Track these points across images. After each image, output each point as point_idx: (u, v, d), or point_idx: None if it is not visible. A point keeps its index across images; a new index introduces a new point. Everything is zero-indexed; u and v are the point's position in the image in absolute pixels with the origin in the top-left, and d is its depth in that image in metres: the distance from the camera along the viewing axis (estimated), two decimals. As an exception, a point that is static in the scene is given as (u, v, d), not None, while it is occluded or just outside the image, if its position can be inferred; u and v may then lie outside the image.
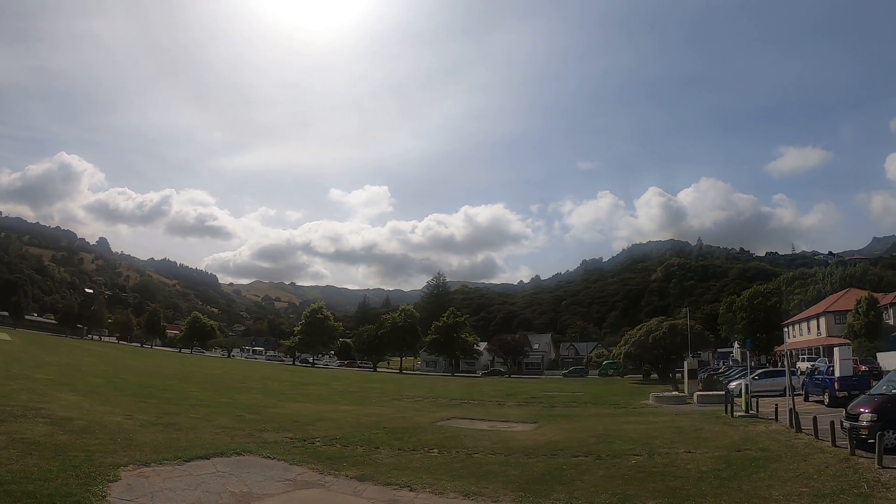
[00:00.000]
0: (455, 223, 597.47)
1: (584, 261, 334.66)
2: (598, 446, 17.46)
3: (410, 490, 11.84)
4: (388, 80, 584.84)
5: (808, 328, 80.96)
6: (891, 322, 66.08)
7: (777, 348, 78.70)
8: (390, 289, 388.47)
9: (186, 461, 12.93)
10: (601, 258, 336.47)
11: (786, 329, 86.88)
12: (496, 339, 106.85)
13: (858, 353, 52.42)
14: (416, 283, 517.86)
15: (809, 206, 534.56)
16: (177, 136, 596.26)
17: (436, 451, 16.51)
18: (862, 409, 16.99)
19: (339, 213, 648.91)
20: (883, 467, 13.30)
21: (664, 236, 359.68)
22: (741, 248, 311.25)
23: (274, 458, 14.36)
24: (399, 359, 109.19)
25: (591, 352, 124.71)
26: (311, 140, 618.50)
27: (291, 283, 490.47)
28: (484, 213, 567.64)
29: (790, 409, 21.32)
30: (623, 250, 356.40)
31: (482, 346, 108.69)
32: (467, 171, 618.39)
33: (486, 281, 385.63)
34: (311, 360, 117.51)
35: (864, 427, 16.19)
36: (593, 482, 12.62)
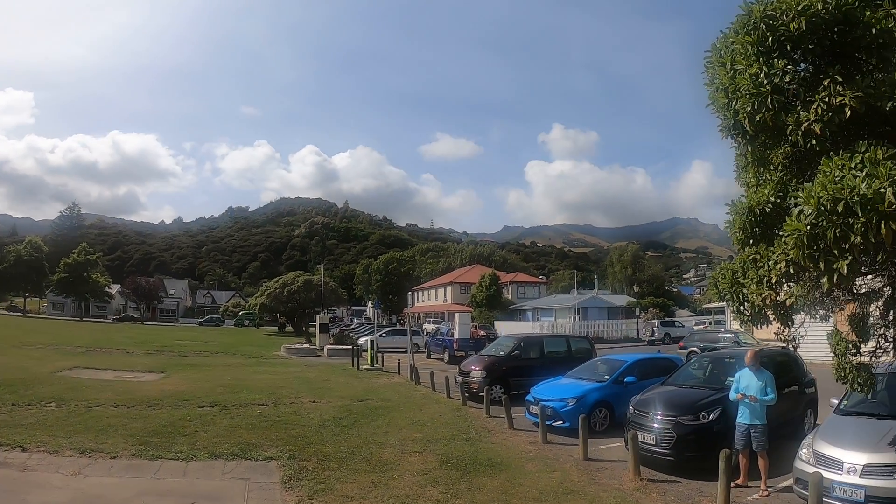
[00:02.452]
0: (101, 149, 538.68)
1: (231, 207, 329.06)
2: (225, 396, 17.42)
3: (23, 450, 10.64)
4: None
5: (437, 295, 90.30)
6: (509, 296, 78.93)
7: (406, 310, 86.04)
8: (19, 216, 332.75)
9: None
10: (248, 207, 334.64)
11: (413, 293, 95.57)
12: (130, 281, 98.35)
13: (479, 320, 60.57)
14: (49, 212, 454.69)
15: (453, 190, 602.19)
16: None
17: (53, 404, 14.95)
18: (473, 367, 19.45)
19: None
20: (490, 416, 15.36)
21: (313, 194, 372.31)
22: (384, 217, 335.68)
23: None
24: (23, 299, 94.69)
25: (228, 301, 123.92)
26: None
27: None
28: (134, 143, 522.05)
29: (411, 365, 23.57)
30: (271, 202, 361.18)
31: (115, 288, 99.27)
32: (126, 94, 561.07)
33: (126, 217, 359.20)
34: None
35: (474, 382, 18.53)
36: (216, 432, 12.54)
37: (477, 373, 18.91)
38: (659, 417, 10.61)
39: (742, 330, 30.03)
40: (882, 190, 4.72)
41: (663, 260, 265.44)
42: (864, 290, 7.20)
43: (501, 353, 20.25)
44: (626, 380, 14.10)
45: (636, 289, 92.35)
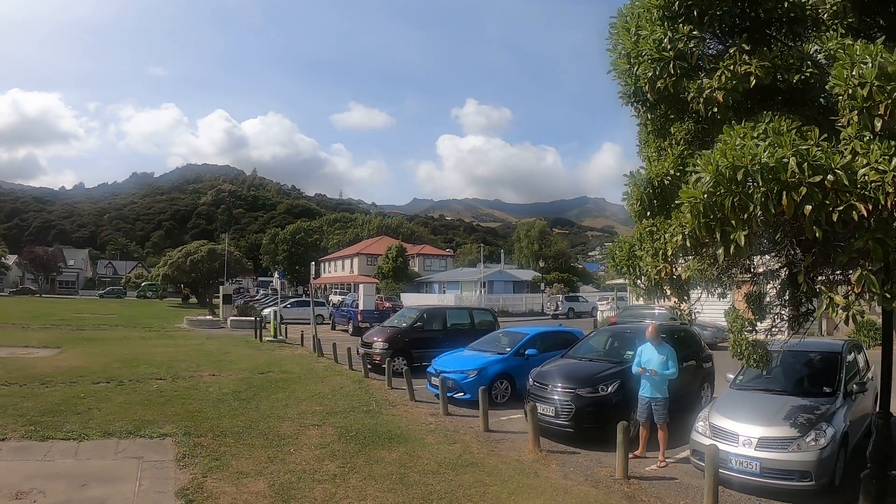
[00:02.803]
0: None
1: (135, 173, 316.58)
2: (122, 371, 16.96)
3: None
4: None
5: (343, 266, 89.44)
6: (416, 269, 79.09)
7: (312, 280, 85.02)
8: None
9: None
10: (153, 173, 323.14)
11: (319, 264, 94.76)
12: (28, 251, 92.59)
13: (386, 292, 60.41)
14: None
15: (364, 160, 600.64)
16: None
17: (-60, 385, 14.04)
18: (375, 338, 19.21)
19: None
20: (392, 388, 15.23)
21: (221, 161, 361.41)
22: (293, 186, 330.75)
23: None
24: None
25: (130, 272, 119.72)
26: None
27: None
28: (35, 102, 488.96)
29: (314, 336, 23.27)
30: (177, 168, 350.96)
31: (11, 259, 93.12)
32: (30, 47, 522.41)
33: (24, 182, 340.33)
34: None
35: (376, 353, 18.32)
36: (111, 410, 12.09)
37: (379, 344, 18.69)
38: (559, 389, 10.66)
39: (677, 306, 30.14)
40: (785, 160, 4.63)
41: (570, 237, 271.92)
42: (761, 270, 7.29)
43: (404, 325, 20.07)
44: (527, 352, 14.17)
45: (542, 264, 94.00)
